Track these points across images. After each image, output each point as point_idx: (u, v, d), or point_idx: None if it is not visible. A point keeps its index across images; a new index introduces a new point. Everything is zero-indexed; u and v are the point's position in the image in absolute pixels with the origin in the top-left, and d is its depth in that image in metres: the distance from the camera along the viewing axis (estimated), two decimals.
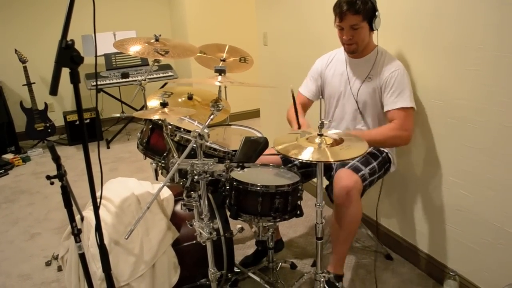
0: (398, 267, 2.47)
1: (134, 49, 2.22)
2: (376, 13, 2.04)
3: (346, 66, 2.24)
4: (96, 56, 1.44)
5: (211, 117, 1.67)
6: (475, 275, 2.11)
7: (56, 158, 1.45)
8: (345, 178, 1.99)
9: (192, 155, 1.72)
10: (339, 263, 2.15)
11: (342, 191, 1.97)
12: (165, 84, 5.04)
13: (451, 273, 2.00)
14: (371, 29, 2.08)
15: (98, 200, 1.38)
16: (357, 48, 2.12)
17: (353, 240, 2.18)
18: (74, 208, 1.56)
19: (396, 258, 2.55)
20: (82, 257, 1.62)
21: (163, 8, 5.58)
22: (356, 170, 2.05)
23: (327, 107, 2.39)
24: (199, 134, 1.62)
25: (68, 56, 1.19)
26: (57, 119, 4.97)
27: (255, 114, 4.92)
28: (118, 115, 2.97)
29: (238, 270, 2.34)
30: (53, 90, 1.16)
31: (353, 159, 2.07)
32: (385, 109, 2.12)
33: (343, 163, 2.12)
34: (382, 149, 2.25)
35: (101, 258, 1.47)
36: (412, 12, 2.15)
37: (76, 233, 1.54)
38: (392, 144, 2.20)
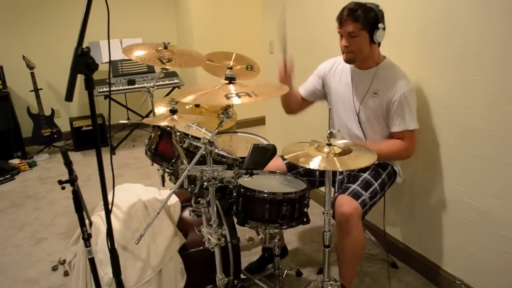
0: (403, 276, 2.47)
1: (139, 54, 2.24)
2: (379, 25, 1.97)
3: (351, 77, 2.20)
4: (109, 62, 1.46)
5: (222, 124, 1.69)
6: (481, 284, 2.11)
7: (68, 163, 1.46)
8: (345, 205, 1.96)
9: (201, 161, 1.73)
10: (348, 286, 2.12)
11: (342, 218, 1.96)
12: (171, 91, 5.09)
13: (457, 282, 2.01)
14: (372, 41, 2.02)
15: (110, 206, 1.39)
16: (354, 58, 2.06)
17: (359, 263, 2.16)
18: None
19: (402, 267, 2.55)
20: (92, 261, 1.63)
21: (170, 15, 5.63)
22: (356, 196, 2.01)
23: (331, 115, 2.37)
24: (209, 141, 1.64)
25: (83, 63, 1.21)
26: (64, 125, 5.00)
27: (260, 121, 4.94)
28: (125, 121, 2.99)
29: (244, 277, 2.34)
30: (69, 96, 1.18)
31: (360, 168, 2.08)
32: (393, 129, 2.10)
33: (344, 189, 2.08)
34: (388, 162, 2.22)
35: (111, 263, 1.49)
36: (421, 23, 2.17)
37: (87, 238, 1.55)
38: (394, 158, 2.22)
